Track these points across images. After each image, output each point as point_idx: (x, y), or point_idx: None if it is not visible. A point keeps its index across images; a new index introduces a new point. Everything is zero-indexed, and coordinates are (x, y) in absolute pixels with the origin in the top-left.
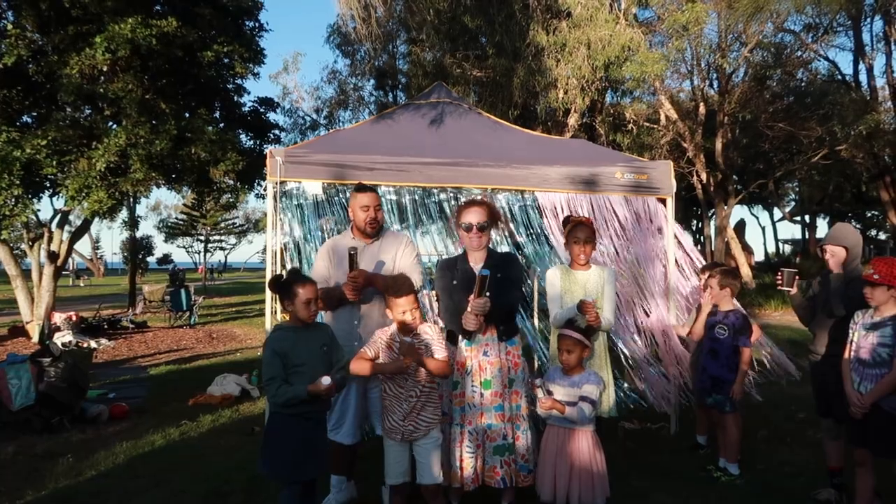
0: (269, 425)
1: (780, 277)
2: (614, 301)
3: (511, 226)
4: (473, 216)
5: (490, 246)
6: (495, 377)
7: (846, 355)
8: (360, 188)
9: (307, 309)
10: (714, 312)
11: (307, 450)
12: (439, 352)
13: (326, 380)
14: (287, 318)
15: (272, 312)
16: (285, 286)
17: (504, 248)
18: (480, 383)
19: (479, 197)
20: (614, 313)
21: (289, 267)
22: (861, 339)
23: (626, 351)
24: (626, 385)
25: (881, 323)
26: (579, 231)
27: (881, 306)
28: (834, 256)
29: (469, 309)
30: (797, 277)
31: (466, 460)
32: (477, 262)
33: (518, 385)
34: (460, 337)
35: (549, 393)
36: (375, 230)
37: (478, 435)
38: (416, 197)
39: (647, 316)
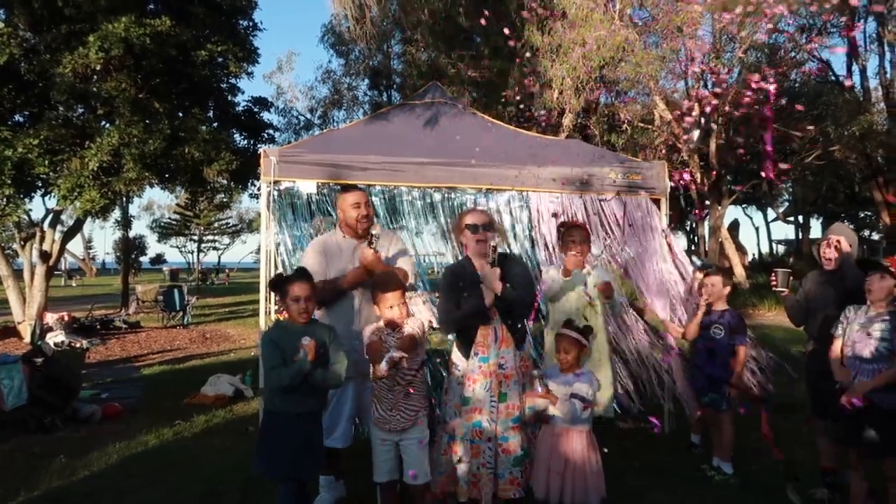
0: (266, 424)
1: (774, 278)
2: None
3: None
4: (478, 217)
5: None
6: (511, 390)
7: (836, 352)
8: (349, 187)
9: (297, 306)
10: (709, 312)
11: (305, 448)
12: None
13: (306, 339)
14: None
15: (266, 312)
16: (280, 284)
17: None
18: (498, 396)
19: (472, 198)
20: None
21: (280, 267)
22: (856, 335)
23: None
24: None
25: (878, 317)
26: (574, 233)
27: (876, 302)
28: (839, 248)
29: (483, 280)
30: (791, 278)
31: (484, 476)
32: (482, 267)
33: (529, 387)
34: (472, 352)
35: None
36: (367, 228)
37: (495, 450)
38: (411, 197)
39: (643, 315)
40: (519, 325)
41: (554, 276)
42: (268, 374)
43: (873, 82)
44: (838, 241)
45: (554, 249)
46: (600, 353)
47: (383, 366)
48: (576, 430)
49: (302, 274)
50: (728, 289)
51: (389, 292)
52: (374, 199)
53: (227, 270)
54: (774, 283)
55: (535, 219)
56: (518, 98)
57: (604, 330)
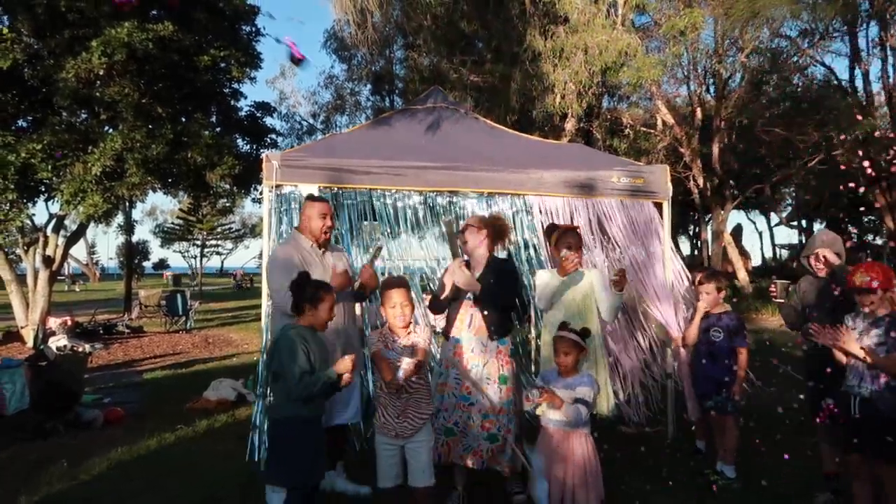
0: (281, 432)
1: (773, 289)
2: (609, 295)
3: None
4: (469, 219)
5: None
6: (483, 373)
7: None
8: (316, 197)
9: (329, 315)
10: (707, 316)
11: (318, 452)
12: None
13: (349, 357)
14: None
15: (268, 316)
16: (311, 290)
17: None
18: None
19: (475, 202)
20: (616, 302)
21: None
22: (860, 340)
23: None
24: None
25: (876, 323)
26: (570, 237)
27: (871, 310)
28: (828, 261)
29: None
30: (789, 287)
31: (452, 443)
32: (476, 269)
33: (509, 382)
34: (451, 334)
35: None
36: (328, 240)
37: (462, 424)
38: (412, 202)
39: (647, 320)
40: (496, 316)
41: (546, 280)
42: (299, 382)
43: (876, 86)
44: (825, 257)
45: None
46: (595, 354)
47: (400, 375)
48: (576, 434)
49: (322, 282)
50: (723, 293)
51: (394, 289)
52: (375, 203)
53: (250, 275)
54: (774, 292)
55: (538, 223)
56: (518, 104)
57: (599, 331)
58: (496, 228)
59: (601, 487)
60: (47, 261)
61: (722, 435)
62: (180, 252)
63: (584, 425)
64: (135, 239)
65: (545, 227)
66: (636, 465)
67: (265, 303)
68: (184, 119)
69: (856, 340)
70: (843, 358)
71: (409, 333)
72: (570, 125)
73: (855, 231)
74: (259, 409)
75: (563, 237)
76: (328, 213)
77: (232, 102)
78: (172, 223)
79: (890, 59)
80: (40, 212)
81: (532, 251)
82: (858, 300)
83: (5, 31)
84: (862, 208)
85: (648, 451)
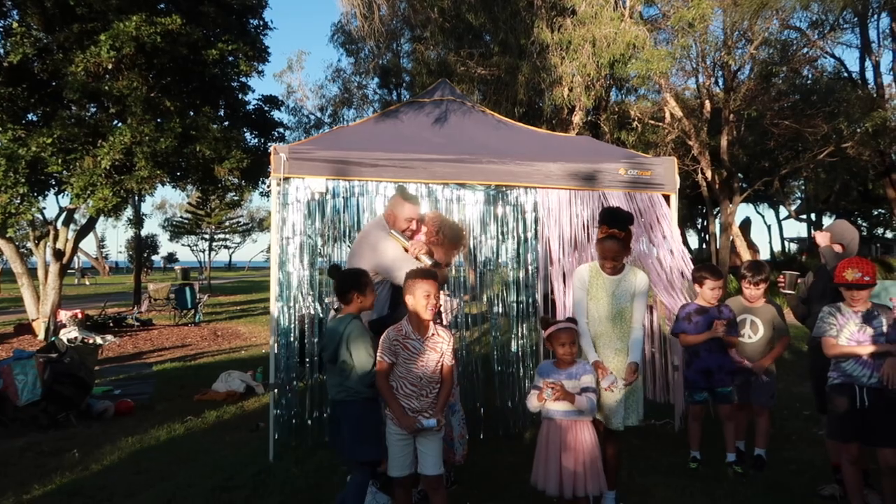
0: (375, 412)
1: (782, 281)
2: (644, 309)
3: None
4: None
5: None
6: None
7: (834, 344)
8: (408, 196)
9: (374, 296)
10: (706, 310)
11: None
12: (448, 358)
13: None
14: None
15: (281, 310)
16: (358, 278)
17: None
18: None
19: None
20: (643, 322)
21: (302, 264)
22: (859, 334)
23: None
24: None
25: (872, 314)
26: (610, 245)
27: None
28: (824, 246)
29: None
30: (798, 279)
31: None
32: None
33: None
34: None
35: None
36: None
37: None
38: (419, 194)
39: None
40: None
41: (585, 277)
42: (371, 367)
43: (887, 78)
44: (814, 237)
45: (560, 246)
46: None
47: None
48: (581, 422)
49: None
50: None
51: (428, 280)
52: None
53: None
54: (782, 284)
55: (544, 215)
56: (526, 97)
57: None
58: (444, 236)
59: (604, 475)
60: (58, 254)
61: (727, 424)
62: (189, 246)
63: (591, 413)
64: (144, 233)
65: (600, 211)
66: (644, 458)
67: (273, 297)
68: (192, 113)
69: (860, 332)
70: (861, 353)
71: (429, 326)
72: (577, 118)
73: (865, 224)
74: (273, 401)
75: (603, 242)
76: (414, 217)
77: (240, 96)
78: (181, 217)
79: None
80: (50, 205)
81: (536, 244)
82: (850, 296)
83: (15, 25)
84: (872, 201)
85: (656, 443)
